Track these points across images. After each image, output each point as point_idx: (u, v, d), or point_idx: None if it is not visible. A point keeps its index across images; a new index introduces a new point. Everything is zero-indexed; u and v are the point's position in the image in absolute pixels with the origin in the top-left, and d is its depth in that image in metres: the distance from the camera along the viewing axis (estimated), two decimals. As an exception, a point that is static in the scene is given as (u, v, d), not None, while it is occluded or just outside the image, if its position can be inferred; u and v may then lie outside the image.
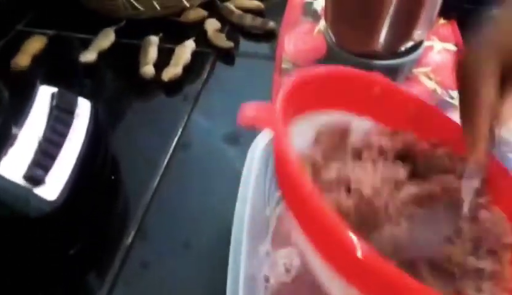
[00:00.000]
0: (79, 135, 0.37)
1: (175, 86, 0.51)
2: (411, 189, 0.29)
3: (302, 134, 0.31)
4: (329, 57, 0.52)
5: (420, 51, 0.48)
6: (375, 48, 0.46)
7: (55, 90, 0.39)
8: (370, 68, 0.48)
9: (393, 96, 0.33)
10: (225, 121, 0.49)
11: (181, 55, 0.53)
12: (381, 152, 0.31)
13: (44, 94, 0.39)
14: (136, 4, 0.56)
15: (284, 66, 0.53)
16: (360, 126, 0.33)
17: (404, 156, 0.31)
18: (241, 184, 0.33)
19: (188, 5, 0.59)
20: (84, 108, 0.39)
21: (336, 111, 0.32)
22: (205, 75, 0.53)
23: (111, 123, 0.48)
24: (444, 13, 0.54)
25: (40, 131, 0.36)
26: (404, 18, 0.44)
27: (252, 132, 0.47)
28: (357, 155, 0.31)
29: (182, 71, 0.52)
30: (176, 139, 0.46)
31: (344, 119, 0.33)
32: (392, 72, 0.49)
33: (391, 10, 0.43)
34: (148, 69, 0.52)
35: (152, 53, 0.53)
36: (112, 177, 0.43)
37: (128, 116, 0.49)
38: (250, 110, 0.29)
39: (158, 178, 0.43)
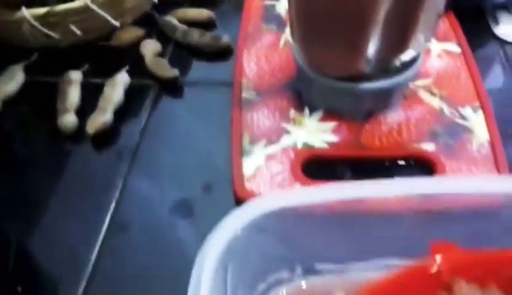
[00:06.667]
0: None
1: (104, 140, 0.39)
2: None
3: None
4: (301, 81, 0.40)
5: (418, 63, 0.37)
6: (361, 68, 0.35)
7: None
8: (357, 93, 0.37)
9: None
10: (174, 184, 0.37)
11: (111, 95, 0.41)
12: None
13: None
14: (47, 31, 0.43)
15: (244, 95, 0.41)
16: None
17: None
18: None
19: (118, 24, 0.46)
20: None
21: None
22: (144, 119, 0.41)
23: (14, 202, 0.36)
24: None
25: None
26: (398, 23, 0.33)
27: (210, 196, 0.36)
28: None
29: (113, 118, 0.40)
30: (108, 218, 0.34)
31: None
32: (387, 94, 0.38)
33: (380, 16, 0.32)
34: (68, 120, 0.39)
35: (73, 95, 0.41)
36: (19, 289, 0.31)
37: (41, 190, 0.37)
38: None
39: (85, 281, 0.31)
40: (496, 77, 0.43)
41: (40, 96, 0.43)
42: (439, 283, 0.19)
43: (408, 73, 0.36)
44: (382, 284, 0.19)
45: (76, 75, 0.43)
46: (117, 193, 0.36)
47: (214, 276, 0.24)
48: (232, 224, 0.24)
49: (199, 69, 0.45)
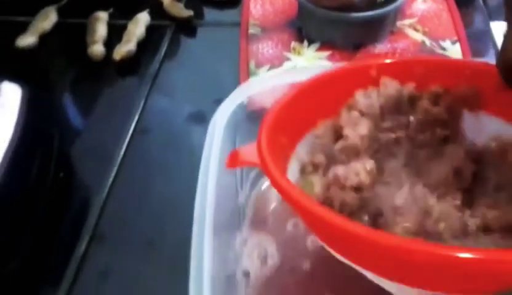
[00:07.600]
0: (6, 128, 0.31)
1: (129, 66, 0.45)
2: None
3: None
4: (302, 16, 0.46)
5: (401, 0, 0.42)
6: (352, -2, 0.40)
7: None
8: (348, 22, 0.42)
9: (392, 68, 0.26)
10: (189, 100, 0.42)
11: (134, 30, 0.46)
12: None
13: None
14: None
15: (251, 31, 0.46)
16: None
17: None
18: (200, 171, 0.27)
19: (139, -26, 0.52)
20: (10, 95, 0.32)
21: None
22: (163, 51, 0.46)
23: (57, 112, 0.42)
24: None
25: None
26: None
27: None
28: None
29: (136, 48, 0.45)
30: (133, 125, 0.40)
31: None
32: (374, 25, 0.43)
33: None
34: (97, 49, 0.45)
35: (101, 30, 0.47)
36: (61, 175, 0.37)
37: (77, 103, 0.43)
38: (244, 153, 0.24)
39: (114, 172, 0.37)
40: (474, 18, 0.48)
41: (71, 34, 0.49)
42: (368, 79, 0.25)
43: (392, 6, 0.42)
44: (321, 77, 0.25)
45: (102, 14, 0.48)
46: (139, 108, 0.41)
47: (223, 143, 0.29)
48: (239, 94, 0.30)
49: (210, 14, 0.51)
